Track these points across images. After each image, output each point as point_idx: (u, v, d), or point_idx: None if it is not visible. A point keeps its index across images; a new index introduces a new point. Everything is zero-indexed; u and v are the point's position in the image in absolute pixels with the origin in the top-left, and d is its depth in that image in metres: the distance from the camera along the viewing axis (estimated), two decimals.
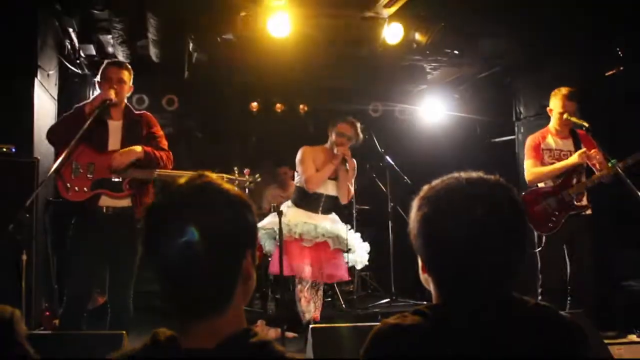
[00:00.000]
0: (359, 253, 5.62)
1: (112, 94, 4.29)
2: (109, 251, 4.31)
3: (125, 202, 4.37)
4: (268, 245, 5.62)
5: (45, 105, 5.86)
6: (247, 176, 4.86)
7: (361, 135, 5.53)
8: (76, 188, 4.25)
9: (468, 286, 1.53)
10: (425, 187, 1.63)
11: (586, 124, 5.00)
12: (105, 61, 4.69)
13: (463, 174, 1.61)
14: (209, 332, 1.38)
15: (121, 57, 6.79)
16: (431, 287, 1.64)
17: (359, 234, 5.94)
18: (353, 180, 5.63)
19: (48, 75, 6.00)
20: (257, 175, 4.87)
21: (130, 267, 4.39)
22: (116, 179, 4.30)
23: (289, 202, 5.60)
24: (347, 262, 5.55)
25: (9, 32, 5.39)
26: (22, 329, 1.75)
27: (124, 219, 4.33)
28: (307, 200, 5.44)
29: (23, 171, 4.93)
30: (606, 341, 4.16)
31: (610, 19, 5.95)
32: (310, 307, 5.28)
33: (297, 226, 5.23)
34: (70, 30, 6.41)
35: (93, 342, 3.53)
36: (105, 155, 4.31)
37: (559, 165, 5.15)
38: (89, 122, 4.12)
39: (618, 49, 6.21)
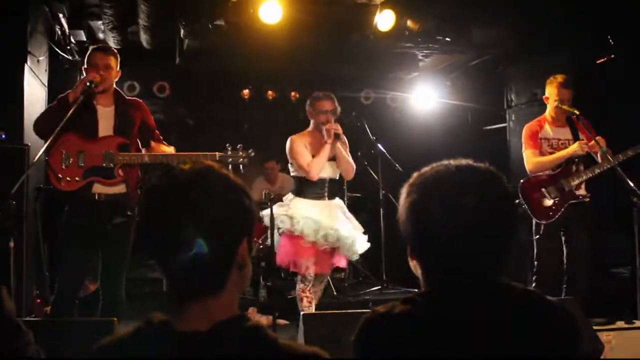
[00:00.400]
0: (358, 245, 5.24)
1: (96, 76, 4.23)
2: (102, 238, 4.30)
3: (118, 189, 4.33)
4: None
5: (35, 92, 5.83)
6: (240, 152, 4.67)
7: (339, 108, 5.25)
8: (68, 178, 4.22)
9: (456, 273, 1.54)
10: (415, 174, 1.63)
11: (577, 112, 5.01)
12: (91, 47, 4.65)
13: (452, 162, 1.61)
14: (202, 314, 1.40)
15: (112, 43, 6.75)
16: (419, 273, 1.64)
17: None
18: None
19: (38, 61, 5.96)
20: (250, 151, 4.66)
21: (124, 255, 4.39)
22: (109, 165, 4.27)
23: (290, 195, 5.28)
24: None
25: None
26: (10, 305, 1.76)
27: (117, 206, 4.32)
28: (311, 189, 5.15)
29: (13, 158, 4.91)
30: (595, 327, 4.19)
31: (601, 7, 5.95)
32: (312, 308, 5.05)
33: (299, 223, 4.96)
34: (61, 15, 6.36)
35: (84, 329, 3.54)
36: (96, 142, 4.29)
37: (559, 154, 5.11)
38: (74, 107, 4.08)
39: (609, 37, 6.22)
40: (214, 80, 8.54)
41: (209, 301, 1.41)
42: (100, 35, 6.90)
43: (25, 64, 5.53)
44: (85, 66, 4.40)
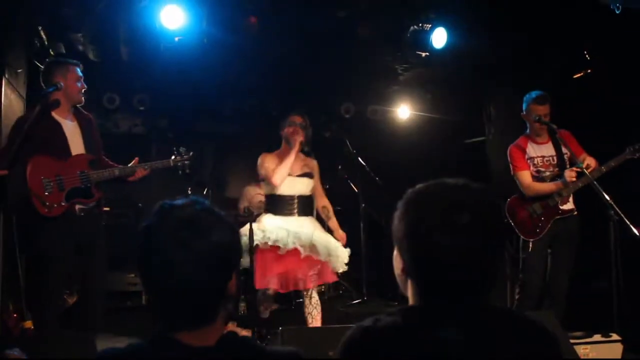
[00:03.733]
0: (339, 260, 5.22)
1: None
2: (82, 251, 4.37)
3: (92, 202, 4.43)
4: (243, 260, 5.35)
5: (13, 104, 5.77)
6: (183, 154, 4.89)
7: (310, 128, 5.42)
8: (55, 204, 4.26)
9: (448, 291, 1.56)
10: (410, 192, 1.65)
11: (554, 126, 5.05)
12: (69, 60, 4.70)
13: (449, 180, 1.63)
14: (199, 339, 1.51)
15: (91, 55, 6.72)
16: (408, 289, 1.66)
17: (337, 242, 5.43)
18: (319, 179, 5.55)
19: (16, 73, 5.92)
20: (191, 153, 4.90)
21: (103, 266, 4.45)
22: (87, 185, 4.33)
23: (264, 214, 5.35)
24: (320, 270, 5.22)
25: None
26: None
27: (92, 218, 4.44)
28: (280, 204, 5.24)
29: None
30: (573, 341, 4.21)
31: (579, 22, 6.03)
32: (267, 313, 5.28)
33: (272, 232, 5.01)
34: (40, 28, 6.32)
35: (63, 343, 3.51)
36: (69, 163, 4.33)
37: (556, 184, 5.13)
38: (35, 114, 4.14)
39: (585, 52, 6.30)
40: (194, 92, 8.51)
41: (203, 329, 1.52)
42: (80, 48, 6.85)
43: (3, 76, 5.48)
44: (62, 77, 4.43)
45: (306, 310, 5.10)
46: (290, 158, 5.15)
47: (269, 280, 4.98)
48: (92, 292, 4.42)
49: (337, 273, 5.36)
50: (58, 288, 4.29)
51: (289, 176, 5.20)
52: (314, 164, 5.46)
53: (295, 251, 5.01)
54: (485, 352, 1.49)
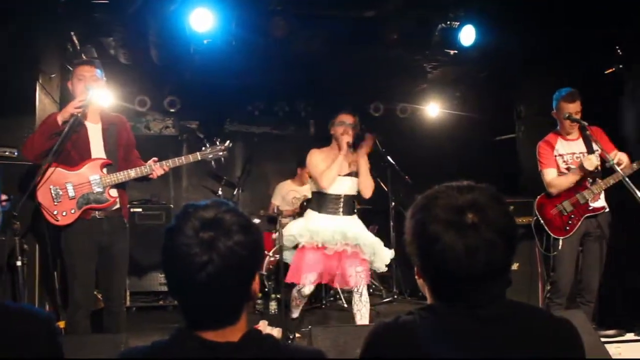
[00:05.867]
0: (382, 259, 5.20)
1: (81, 100, 4.22)
2: (105, 254, 4.40)
3: (114, 206, 4.43)
4: (287, 254, 5.34)
5: (47, 109, 5.89)
6: (218, 146, 4.70)
7: (359, 126, 5.31)
8: (63, 213, 4.25)
9: (459, 290, 1.58)
10: (419, 197, 1.69)
11: (585, 123, 5.00)
12: (75, 62, 4.69)
13: (454, 183, 1.66)
14: (223, 337, 1.54)
15: (122, 59, 6.83)
16: (426, 291, 1.71)
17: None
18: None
19: (50, 78, 6.03)
20: (228, 142, 4.73)
21: (124, 268, 4.53)
22: (98, 190, 4.31)
23: (309, 210, 5.32)
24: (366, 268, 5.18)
25: (11, 36, 5.42)
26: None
27: (115, 222, 4.42)
28: (326, 203, 5.17)
29: (26, 175, 4.95)
30: (605, 340, 4.17)
31: (610, 17, 5.95)
32: (296, 313, 5.27)
33: (319, 234, 5.01)
34: (72, 33, 6.44)
35: (95, 344, 3.57)
36: (80, 169, 4.32)
37: (573, 173, 5.07)
38: (62, 137, 4.11)
39: (617, 48, 6.22)
40: (223, 94, 8.60)
41: (227, 329, 1.55)
42: (112, 52, 6.97)
43: (37, 81, 5.59)
44: (72, 80, 4.38)
45: (355, 307, 5.07)
46: (339, 161, 5.10)
47: (305, 277, 4.98)
48: (113, 293, 4.47)
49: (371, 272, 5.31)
50: (83, 292, 4.31)
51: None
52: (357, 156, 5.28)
53: (343, 252, 5.02)
54: (499, 349, 1.51)
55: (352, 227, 5.12)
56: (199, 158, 4.64)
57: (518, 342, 1.53)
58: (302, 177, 8.34)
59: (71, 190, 4.27)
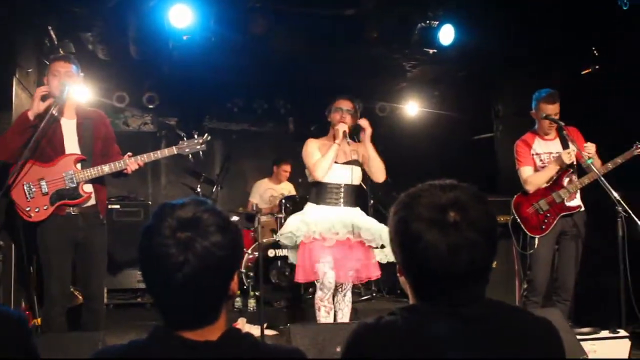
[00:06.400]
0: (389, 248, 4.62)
1: (54, 89, 4.19)
2: (80, 250, 4.36)
3: (88, 202, 4.38)
4: (291, 254, 5.04)
5: (24, 103, 5.81)
6: (196, 139, 4.54)
7: (359, 110, 5.02)
8: (36, 209, 4.21)
9: (441, 289, 1.59)
10: (402, 195, 1.68)
11: (561, 123, 5.05)
12: (50, 57, 4.61)
13: (437, 181, 1.66)
14: (202, 336, 1.53)
15: (101, 54, 6.78)
16: (407, 289, 1.70)
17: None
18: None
19: (27, 73, 5.96)
20: (206, 136, 4.56)
21: (101, 262, 4.48)
22: (71, 185, 4.26)
23: (307, 203, 5.00)
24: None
25: None
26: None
27: (90, 218, 4.37)
28: (325, 194, 4.86)
29: (1, 171, 4.90)
30: (579, 337, 4.22)
31: (586, 18, 6.02)
32: (330, 318, 4.75)
33: (317, 224, 4.70)
34: (49, 27, 6.37)
35: (71, 342, 3.54)
36: (54, 165, 4.27)
37: (549, 168, 5.11)
38: (38, 132, 4.07)
39: (593, 49, 6.29)
40: (204, 90, 8.57)
41: (205, 328, 1.53)
42: (90, 47, 6.91)
43: (14, 76, 5.52)
44: (47, 76, 4.31)
45: (337, 306, 4.85)
46: (333, 149, 4.80)
47: (318, 267, 4.63)
48: (91, 290, 4.43)
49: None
50: (59, 288, 4.27)
51: (335, 163, 4.86)
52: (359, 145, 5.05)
53: (347, 241, 4.76)
54: (483, 349, 1.52)
55: (354, 217, 4.85)
56: (175, 152, 4.51)
57: (500, 342, 1.54)
58: (279, 175, 8.35)
59: (44, 186, 4.22)
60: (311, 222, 4.73)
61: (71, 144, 4.35)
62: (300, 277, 4.78)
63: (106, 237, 4.51)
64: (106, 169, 4.34)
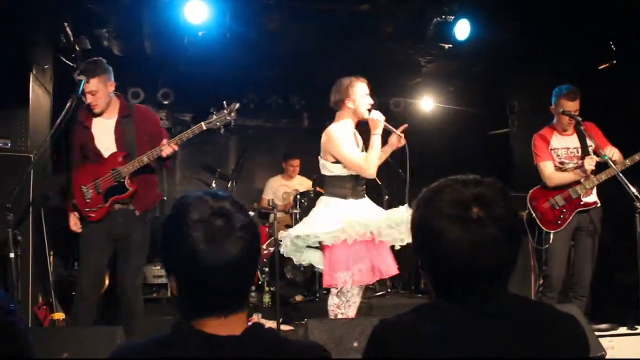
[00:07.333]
0: (402, 232, 4.44)
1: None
2: (121, 245, 4.52)
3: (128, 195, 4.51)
4: (316, 258, 4.61)
5: (40, 100, 5.86)
6: (225, 109, 4.48)
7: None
8: (94, 208, 4.41)
9: (463, 286, 1.57)
10: (424, 190, 1.67)
11: (579, 119, 5.02)
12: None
13: (460, 176, 1.64)
14: (227, 328, 1.53)
15: (116, 51, 6.79)
16: (429, 284, 1.69)
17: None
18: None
19: (43, 69, 5.99)
20: (235, 104, 4.52)
21: (139, 260, 4.60)
22: (119, 181, 4.41)
23: (326, 197, 4.61)
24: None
25: (3, 27, 5.37)
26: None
27: (129, 214, 4.51)
28: (352, 188, 4.52)
29: (18, 166, 4.93)
30: (597, 333, 4.20)
31: (604, 12, 5.97)
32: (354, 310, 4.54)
33: (368, 225, 4.36)
34: (65, 24, 6.40)
35: (91, 336, 3.57)
36: (103, 164, 4.44)
37: (575, 173, 5.09)
38: (57, 123, 4.32)
39: (611, 43, 6.23)
40: (219, 86, 8.57)
41: (230, 318, 1.54)
42: (105, 43, 6.93)
43: (30, 73, 5.56)
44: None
45: (352, 299, 4.47)
46: (378, 143, 4.43)
47: (339, 277, 4.32)
48: (126, 285, 4.50)
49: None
50: (90, 283, 4.40)
51: None
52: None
53: (372, 239, 4.47)
54: (507, 346, 1.50)
55: (371, 212, 4.56)
56: (204, 128, 4.42)
57: (524, 339, 1.52)
58: (288, 171, 8.35)
59: (98, 185, 4.40)
60: (361, 221, 4.37)
61: (106, 145, 4.48)
62: (325, 282, 4.51)
63: (146, 233, 4.61)
64: (145, 159, 4.41)
